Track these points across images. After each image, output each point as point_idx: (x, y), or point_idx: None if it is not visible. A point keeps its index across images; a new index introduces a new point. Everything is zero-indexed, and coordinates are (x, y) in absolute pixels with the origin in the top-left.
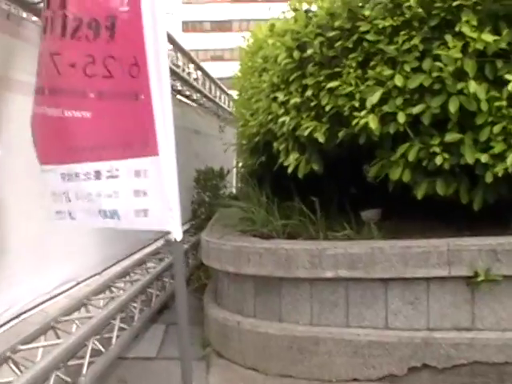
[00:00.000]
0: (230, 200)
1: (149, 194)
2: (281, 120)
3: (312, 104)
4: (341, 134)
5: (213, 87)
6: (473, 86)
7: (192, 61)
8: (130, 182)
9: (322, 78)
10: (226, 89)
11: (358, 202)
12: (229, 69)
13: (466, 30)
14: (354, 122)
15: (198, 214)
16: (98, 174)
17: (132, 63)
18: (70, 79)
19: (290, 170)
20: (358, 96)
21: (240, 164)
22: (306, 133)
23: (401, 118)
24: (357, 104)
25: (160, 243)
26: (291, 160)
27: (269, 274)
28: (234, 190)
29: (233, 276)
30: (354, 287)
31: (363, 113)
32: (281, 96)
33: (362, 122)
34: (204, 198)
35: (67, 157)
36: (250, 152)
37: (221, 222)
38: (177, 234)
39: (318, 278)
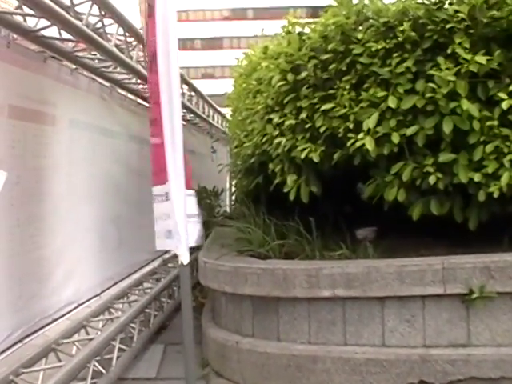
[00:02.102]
0: (225, 219)
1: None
2: (276, 141)
3: (307, 126)
4: (336, 156)
5: (206, 106)
6: (465, 104)
7: (186, 82)
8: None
9: (316, 100)
10: (217, 107)
11: (353, 220)
12: (220, 86)
13: (460, 51)
14: (349, 144)
15: None
16: (167, 196)
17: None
18: (151, 108)
19: (292, 197)
20: (352, 117)
21: (234, 184)
22: (303, 155)
23: (395, 138)
24: (351, 125)
25: (157, 263)
26: (290, 183)
27: (266, 294)
28: (227, 209)
29: (230, 296)
30: (351, 306)
31: (360, 135)
32: (275, 118)
33: (359, 143)
34: None
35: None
36: (245, 172)
37: (217, 242)
38: (184, 257)
39: (316, 297)
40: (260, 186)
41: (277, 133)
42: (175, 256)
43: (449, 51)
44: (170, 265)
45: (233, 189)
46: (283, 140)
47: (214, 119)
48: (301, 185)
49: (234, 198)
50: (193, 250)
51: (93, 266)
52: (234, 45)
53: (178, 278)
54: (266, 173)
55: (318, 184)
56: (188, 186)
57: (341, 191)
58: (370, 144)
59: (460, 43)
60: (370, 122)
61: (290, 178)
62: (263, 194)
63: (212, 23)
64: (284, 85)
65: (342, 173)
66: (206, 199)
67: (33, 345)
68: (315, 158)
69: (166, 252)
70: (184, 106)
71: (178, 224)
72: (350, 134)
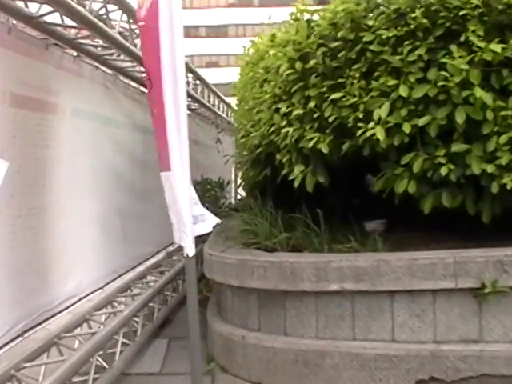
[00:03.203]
0: (231, 212)
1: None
2: (283, 131)
3: (315, 115)
4: (345, 146)
5: (211, 96)
6: (479, 92)
7: (190, 70)
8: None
9: (324, 89)
10: (223, 96)
11: (362, 212)
12: (225, 75)
13: (473, 39)
14: (359, 134)
15: None
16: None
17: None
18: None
19: (296, 185)
20: (362, 107)
21: (240, 175)
22: (310, 145)
23: (406, 128)
24: (361, 115)
25: (161, 256)
26: (296, 173)
27: (273, 288)
28: (233, 202)
29: (236, 289)
30: (360, 300)
31: (370, 125)
32: (283, 107)
33: (369, 133)
34: None
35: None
36: (252, 163)
37: (222, 235)
38: (189, 250)
39: (324, 291)
40: (267, 178)
41: (284, 123)
42: (180, 249)
43: (462, 39)
44: (174, 257)
45: (238, 180)
46: (291, 130)
47: (219, 109)
48: (307, 174)
49: (239, 189)
50: (197, 242)
51: (96, 258)
52: (239, 33)
53: (183, 271)
54: (273, 164)
55: (326, 175)
56: None
57: (349, 183)
58: (380, 134)
59: (474, 31)
60: (380, 112)
61: (298, 169)
62: (270, 186)
63: (217, 10)
64: (292, 73)
65: (350, 164)
66: (211, 191)
67: (34, 339)
68: (323, 148)
69: (171, 244)
70: (189, 95)
71: (184, 215)
72: (359, 124)
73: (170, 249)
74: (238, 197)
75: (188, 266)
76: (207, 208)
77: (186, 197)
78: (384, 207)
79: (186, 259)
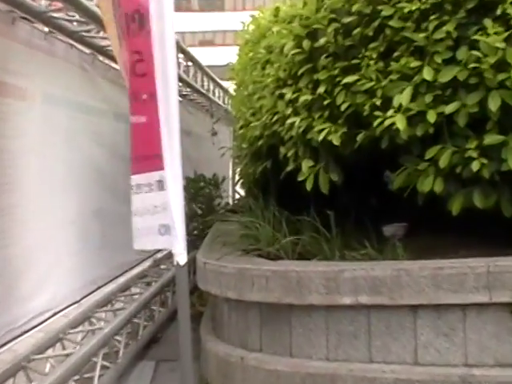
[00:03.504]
0: (227, 213)
1: (159, 211)
2: (289, 121)
3: (325, 102)
4: (360, 138)
5: (205, 79)
6: None
7: (181, 50)
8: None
9: (336, 72)
10: (219, 80)
11: (379, 215)
12: (221, 55)
13: (511, 12)
14: (376, 123)
15: (190, 230)
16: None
17: (138, 59)
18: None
19: (309, 187)
20: (379, 92)
21: (238, 171)
22: (320, 137)
23: (431, 117)
24: (378, 102)
25: (147, 265)
26: (305, 170)
27: (277, 301)
28: (230, 201)
29: (234, 303)
30: (377, 316)
31: (389, 113)
32: (288, 93)
33: (387, 123)
34: (196, 210)
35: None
36: (252, 157)
37: (218, 240)
38: (181, 257)
39: (335, 304)
40: (269, 174)
41: (290, 111)
42: (168, 256)
43: (498, 12)
44: (162, 266)
45: (236, 177)
46: (297, 119)
47: (214, 94)
48: (319, 172)
49: (237, 187)
50: (190, 249)
51: (72, 267)
52: (237, 6)
53: (172, 282)
54: (277, 158)
55: (339, 171)
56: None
57: (365, 181)
58: (400, 123)
59: None
60: (401, 98)
61: (306, 164)
62: (273, 183)
63: None
64: (299, 53)
65: (366, 159)
66: (205, 189)
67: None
68: (335, 140)
69: (159, 251)
70: (179, 79)
71: (175, 218)
72: (376, 112)
73: (158, 256)
74: (236, 196)
75: (179, 276)
76: (200, 208)
77: (178, 197)
78: (405, 208)
79: (176, 268)
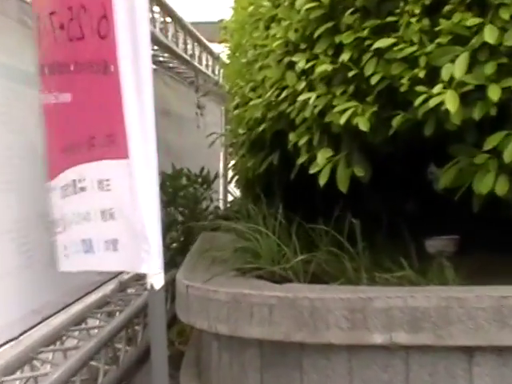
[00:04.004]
0: (218, 220)
1: (116, 217)
2: (301, 98)
3: (350, 74)
4: (395, 121)
5: (189, 41)
6: None
7: (158, 1)
8: (97, 197)
9: (365, 33)
10: (207, 42)
11: (421, 224)
12: (210, 10)
13: None
14: (418, 102)
15: (167, 242)
16: (74, 185)
17: (101, 15)
18: (59, 46)
19: (322, 182)
20: (423, 61)
21: (233, 164)
22: (343, 120)
23: (493, 94)
24: (422, 74)
25: (110, 288)
26: (320, 162)
27: (283, 338)
28: (221, 205)
29: (227, 340)
30: (419, 360)
31: (436, 89)
32: (301, 61)
33: (433, 102)
34: (175, 216)
35: (62, 161)
36: (251, 147)
37: (206, 255)
38: (156, 278)
39: (361, 344)
40: (274, 169)
41: (302, 85)
42: (138, 278)
43: None
44: (129, 290)
45: (230, 173)
46: (313, 96)
47: (201, 62)
48: (337, 165)
49: (231, 186)
50: (166, 268)
51: (7, 291)
52: None
53: (143, 312)
54: (285, 148)
55: (366, 165)
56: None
57: (401, 178)
58: (451, 103)
59: None
60: (453, 68)
61: (323, 155)
62: (279, 182)
63: None
64: (315, 8)
65: (403, 150)
66: (188, 188)
67: None
68: (362, 124)
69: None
70: (154, 40)
71: (148, 226)
72: (419, 88)
73: (125, 277)
74: (230, 197)
75: (153, 303)
76: (182, 214)
77: (152, 197)
78: (455, 216)
79: (149, 293)
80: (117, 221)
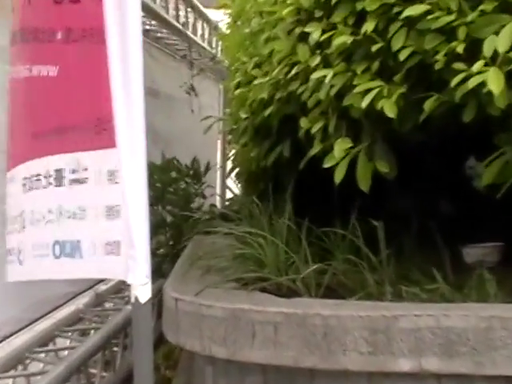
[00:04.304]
0: (214, 221)
1: (121, 215)
2: (315, 77)
3: (374, 48)
4: (428, 105)
5: (181, 7)
6: None
7: None
8: (101, 191)
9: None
10: (203, 9)
11: (457, 228)
12: None
13: None
14: (455, 83)
15: (153, 247)
16: (59, 176)
17: None
18: (39, 9)
19: (337, 179)
20: (461, 32)
21: (232, 155)
22: (365, 103)
23: None
24: (460, 48)
25: (84, 302)
26: (337, 152)
27: (292, 363)
28: (218, 203)
29: (224, 365)
30: None
31: (477, 66)
32: (315, 32)
33: (474, 81)
34: (163, 215)
35: (32, 148)
36: (255, 134)
37: (199, 264)
38: (141, 290)
39: (384, 371)
40: (283, 161)
41: (317, 60)
42: (117, 289)
43: None
44: (107, 305)
45: (229, 165)
46: (329, 74)
47: (195, 32)
48: (357, 158)
49: (230, 180)
50: (153, 278)
51: None
52: None
53: (123, 331)
54: (295, 136)
55: (392, 159)
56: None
57: (433, 174)
58: (495, 82)
59: None
60: (497, 41)
61: (340, 146)
62: (287, 176)
63: None
64: None
65: (437, 140)
66: (179, 182)
67: None
68: (388, 108)
69: (101, 281)
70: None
71: (133, 227)
72: (457, 65)
73: (102, 288)
74: (228, 194)
75: (138, 319)
76: (171, 213)
77: (140, 193)
78: (500, 219)
79: (133, 308)
80: (121, 220)
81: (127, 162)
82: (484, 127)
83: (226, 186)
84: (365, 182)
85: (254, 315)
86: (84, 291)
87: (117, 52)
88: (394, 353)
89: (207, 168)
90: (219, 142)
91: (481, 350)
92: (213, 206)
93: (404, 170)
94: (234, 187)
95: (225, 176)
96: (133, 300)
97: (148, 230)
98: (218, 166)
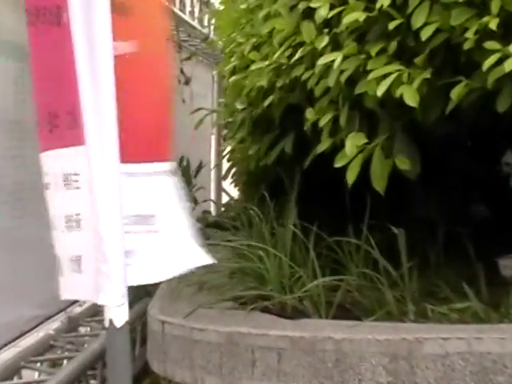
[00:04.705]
0: (208, 229)
1: (82, 226)
2: (323, 61)
3: (391, 25)
4: (456, 92)
5: None
6: None
7: None
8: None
9: None
10: None
11: (492, 237)
12: None
13: None
14: (488, 65)
15: None
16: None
17: None
18: None
19: (350, 180)
20: (495, 5)
21: (228, 151)
22: (381, 91)
23: None
24: (493, 24)
25: (54, 327)
26: (349, 149)
27: None
28: (213, 209)
29: None
30: None
31: None
32: (323, 8)
33: (510, 64)
34: None
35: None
36: (254, 128)
37: (190, 280)
38: (117, 312)
39: None
40: (287, 159)
41: (325, 41)
42: (94, 312)
43: None
44: (83, 330)
45: (226, 163)
46: (338, 57)
47: (183, 8)
48: (373, 155)
49: (227, 183)
50: (134, 297)
51: None
52: None
53: (101, 360)
54: (300, 130)
55: (415, 155)
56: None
57: (464, 173)
58: None
59: None
60: None
61: (352, 141)
62: (293, 177)
63: None
64: None
65: (467, 133)
66: None
67: None
68: (409, 97)
69: (75, 302)
70: None
71: (105, 237)
72: (489, 44)
73: (76, 310)
74: (225, 198)
75: (113, 346)
76: None
77: (113, 198)
78: None
79: (108, 333)
80: (83, 231)
81: (98, 161)
82: None
83: (221, 188)
84: (381, 182)
85: (253, 340)
86: (55, 314)
87: (80, 31)
88: (419, 383)
89: (199, 168)
90: (213, 138)
91: None
92: (206, 212)
93: (429, 168)
94: (232, 190)
95: (220, 177)
96: (107, 324)
97: (124, 242)
98: (212, 166)
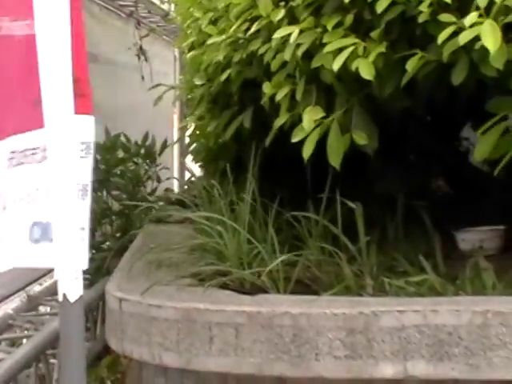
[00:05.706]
0: (169, 207)
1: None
2: (279, 35)
3: None
4: (411, 65)
5: None
6: None
7: None
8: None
9: None
10: None
11: (450, 210)
12: None
13: None
14: (443, 38)
15: (96, 241)
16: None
17: None
18: None
19: (305, 154)
20: None
21: (190, 129)
22: (337, 65)
23: None
24: None
25: (13, 306)
26: (306, 124)
27: (257, 371)
28: (176, 187)
29: (177, 376)
30: None
31: (470, 17)
32: None
33: (465, 36)
34: (108, 202)
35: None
36: (213, 104)
37: (150, 257)
38: (70, 286)
39: (364, 378)
40: (246, 135)
41: (281, 15)
42: (54, 291)
43: None
44: (42, 309)
45: (187, 141)
46: (295, 31)
47: None
48: (329, 130)
49: (189, 160)
50: (93, 275)
51: None
52: None
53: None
54: (259, 105)
55: (372, 129)
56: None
57: (423, 148)
58: (490, 38)
59: None
60: None
61: (309, 116)
62: (252, 152)
63: None
64: None
65: (425, 107)
66: (127, 162)
67: None
68: (365, 70)
69: (36, 281)
70: None
71: (62, 208)
72: (443, 16)
73: (35, 289)
74: (187, 175)
75: (66, 323)
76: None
77: (66, 172)
78: (500, 199)
79: (61, 309)
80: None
81: (53, 137)
82: (479, 91)
83: (184, 166)
84: (336, 157)
85: (211, 316)
86: (14, 293)
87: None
88: (375, 356)
89: (164, 146)
90: (175, 116)
91: (475, 351)
92: (168, 190)
93: (387, 144)
94: (196, 168)
95: (183, 154)
96: (60, 298)
97: (84, 214)
98: (175, 144)
